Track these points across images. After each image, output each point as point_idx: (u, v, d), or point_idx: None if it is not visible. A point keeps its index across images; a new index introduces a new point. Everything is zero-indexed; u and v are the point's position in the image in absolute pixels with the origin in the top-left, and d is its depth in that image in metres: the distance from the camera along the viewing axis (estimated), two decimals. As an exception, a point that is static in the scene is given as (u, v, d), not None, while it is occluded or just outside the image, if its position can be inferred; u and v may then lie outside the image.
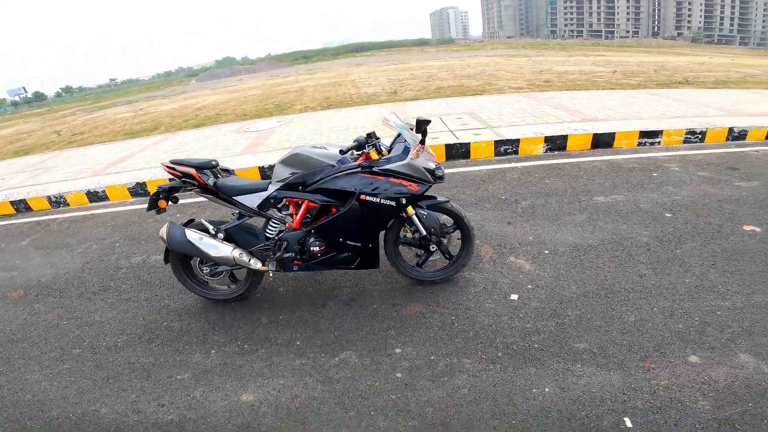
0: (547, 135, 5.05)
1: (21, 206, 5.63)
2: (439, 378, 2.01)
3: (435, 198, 2.60)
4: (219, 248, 2.53)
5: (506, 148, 5.03)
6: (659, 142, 5.09)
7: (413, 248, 2.73)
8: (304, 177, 2.46)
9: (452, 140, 5.10)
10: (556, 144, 5.06)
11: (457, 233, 2.68)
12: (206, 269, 2.76)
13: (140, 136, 9.82)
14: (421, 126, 2.26)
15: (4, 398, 2.23)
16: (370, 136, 2.39)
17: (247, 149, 5.93)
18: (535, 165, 4.65)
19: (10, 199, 5.63)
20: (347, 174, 2.40)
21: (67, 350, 2.59)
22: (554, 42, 59.24)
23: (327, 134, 6.23)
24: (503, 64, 16.78)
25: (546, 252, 2.93)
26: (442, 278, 2.71)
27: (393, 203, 2.37)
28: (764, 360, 1.89)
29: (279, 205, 2.63)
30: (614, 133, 5.07)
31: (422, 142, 2.38)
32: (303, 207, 2.53)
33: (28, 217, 5.41)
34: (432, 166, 2.42)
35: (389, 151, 2.49)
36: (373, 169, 2.38)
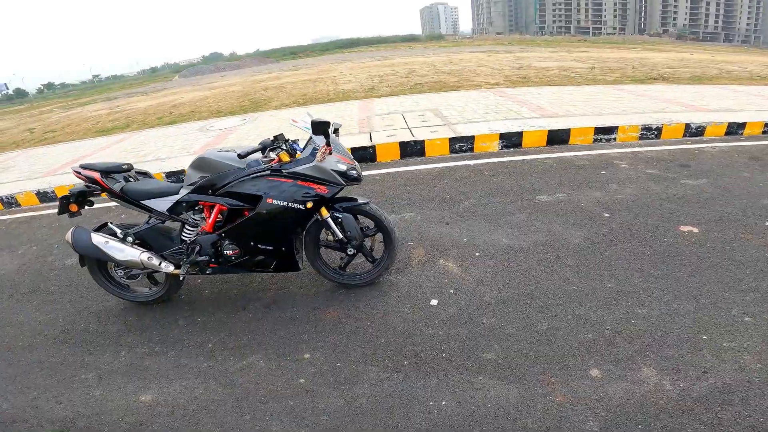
0: (503, 132, 5.03)
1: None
2: (341, 386, 1.98)
3: (353, 200, 2.54)
4: (125, 252, 2.46)
5: (461, 145, 5.00)
6: (615, 139, 5.09)
7: (336, 251, 2.68)
8: (213, 180, 2.40)
9: (408, 138, 5.05)
10: (512, 141, 5.04)
11: (381, 236, 2.64)
12: (121, 272, 2.70)
13: (111, 133, 9.62)
14: (319, 128, 2.20)
15: None
16: (277, 138, 2.34)
17: (203, 148, 5.83)
18: (488, 163, 4.62)
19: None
20: (254, 177, 2.34)
21: (-17, 352, 2.51)
22: (542, 38, 59.36)
23: (285, 132, 6.14)
24: (486, 61, 16.73)
25: (477, 254, 2.90)
26: (365, 282, 2.67)
27: (301, 206, 2.31)
28: (668, 375, 1.84)
29: (194, 209, 2.57)
30: (569, 129, 5.06)
31: (328, 143, 2.32)
32: (215, 211, 2.47)
33: (-26, 219, 5.26)
34: (343, 168, 2.36)
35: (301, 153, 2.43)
36: (282, 171, 2.32)
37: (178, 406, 1.96)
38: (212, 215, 2.48)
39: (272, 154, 2.42)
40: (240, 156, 2.25)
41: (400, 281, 2.71)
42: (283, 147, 2.37)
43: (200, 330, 2.49)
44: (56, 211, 2.66)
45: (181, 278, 2.61)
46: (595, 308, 2.29)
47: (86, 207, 2.68)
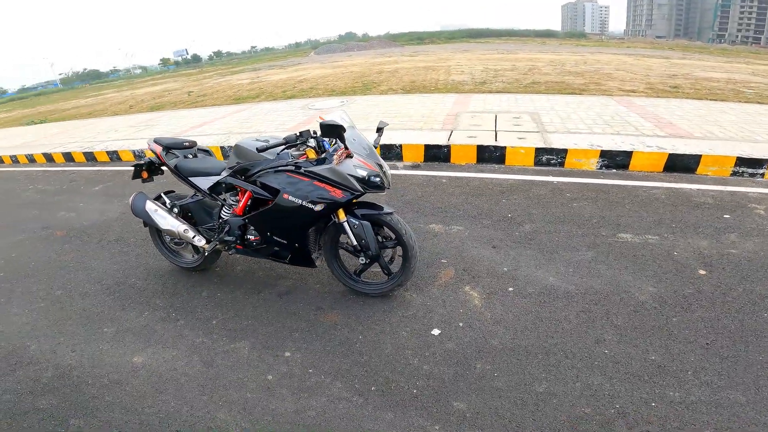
0: (606, 149, 4.27)
1: (114, 156, 6.68)
2: (300, 393, 1.90)
3: (378, 208, 2.38)
4: (168, 221, 2.70)
5: (549, 158, 4.39)
6: (762, 175, 3.96)
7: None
8: (246, 167, 2.46)
9: (489, 142, 4.62)
10: (615, 161, 4.26)
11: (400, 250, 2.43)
12: (168, 238, 2.98)
13: (241, 102, 10.85)
14: (329, 131, 2.07)
15: None
16: (302, 134, 2.26)
17: (296, 126, 6.15)
18: (575, 183, 3.98)
19: (107, 150, 6.71)
20: (278, 171, 2.32)
21: (52, 291, 3.04)
22: (716, 46, 49.17)
23: (370, 120, 6.14)
24: (630, 64, 14.55)
25: (510, 289, 2.51)
26: (377, 293, 2.51)
27: (313, 207, 2.23)
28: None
29: (232, 191, 2.68)
30: (700, 155, 4.07)
31: (346, 147, 2.19)
32: (246, 196, 2.54)
33: (114, 167, 6.40)
34: (363, 173, 2.20)
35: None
36: (301, 169, 2.26)
37: (155, 373, 2.11)
38: (243, 200, 2.56)
39: (302, 149, 2.38)
40: (258, 149, 2.24)
41: (413, 300, 2.49)
42: (309, 144, 2.29)
43: (214, 305, 2.63)
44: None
45: (206, 253, 2.77)
46: (617, 380, 1.82)
47: (159, 174, 3.04)
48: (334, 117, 2.28)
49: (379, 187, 2.25)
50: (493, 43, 37.51)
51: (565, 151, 4.33)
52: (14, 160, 7.79)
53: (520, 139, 4.70)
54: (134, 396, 1.99)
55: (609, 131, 4.93)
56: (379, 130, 2.54)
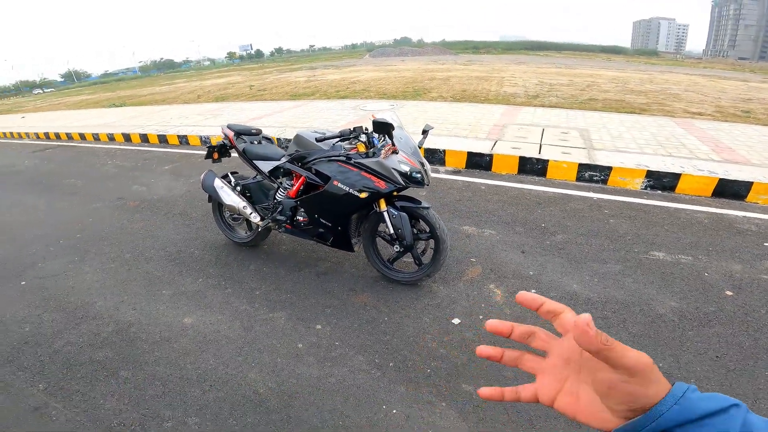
0: (653, 169, 4.22)
1: (183, 140, 7.32)
2: (325, 362, 2.13)
3: (417, 201, 2.59)
4: (231, 197, 3.05)
5: (592, 174, 4.39)
6: (822, 210, 3.76)
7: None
8: (303, 155, 2.75)
9: (532, 154, 4.68)
10: (662, 182, 4.19)
11: (432, 242, 2.63)
12: (227, 214, 3.35)
13: (297, 99, 11.43)
14: (380, 128, 2.30)
15: (58, 285, 3.09)
16: (355, 129, 2.52)
17: (347, 125, 6.47)
18: (615, 200, 3.97)
19: (178, 134, 7.37)
20: (330, 160, 2.59)
21: (122, 254, 3.48)
22: None
23: (418, 124, 6.33)
24: (702, 85, 13.77)
25: (532, 291, 2.62)
26: (407, 281, 2.71)
27: (358, 194, 2.47)
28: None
29: (289, 176, 2.99)
30: (751, 182, 3.93)
31: (393, 143, 2.41)
32: (300, 180, 2.83)
33: (183, 149, 7.03)
34: (405, 169, 2.42)
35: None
36: (351, 160, 2.51)
37: (201, 334, 2.41)
38: (297, 184, 2.85)
39: (354, 143, 2.66)
40: (317, 140, 2.54)
41: (439, 291, 2.67)
42: (360, 138, 2.56)
43: (259, 278, 2.94)
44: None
45: (260, 229, 3.09)
46: None
47: (227, 157, 3.42)
48: (385, 116, 2.52)
49: (419, 183, 2.46)
50: (552, 56, 36.55)
51: (609, 168, 4.32)
52: (96, 137, 8.72)
53: (565, 153, 4.72)
54: (179, 353, 2.28)
55: (661, 152, 4.83)
56: (425, 132, 2.77)
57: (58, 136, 9.62)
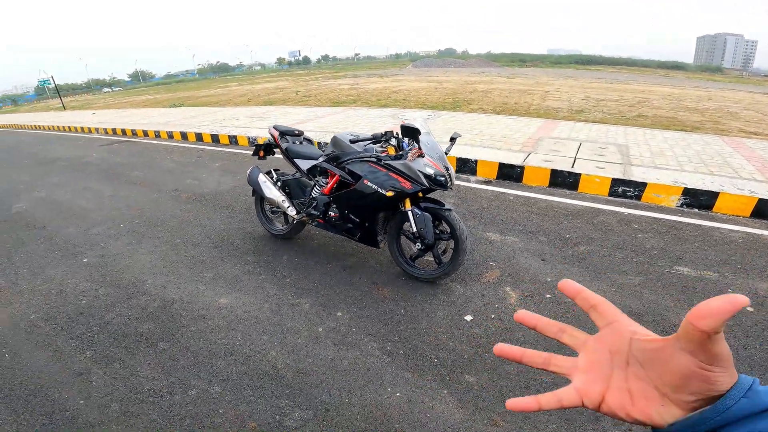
0: (690, 187, 4.13)
1: (233, 140, 7.86)
2: (341, 346, 2.33)
3: (440, 203, 2.76)
4: (272, 191, 3.35)
5: (626, 190, 4.35)
6: None
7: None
8: (338, 155, 2.99)
9: (564, 167, 4.70)
10: (699, 200, 4.10)
11: (452, 243, 2.78)
12: (268, 207, 3.65)
13: (339, 105, 11.88)
14: (407, 132, 2.49)
15: (115, 264, 3.48)
16: (386, 133, 2.74)
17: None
18: (647, 216, 3.93)
19: (229, 134, 7.92)
20: (363, 160, 2.82)
21: (172, 239, 3.87)
22: None
23: (448, 135, 6.46)
24: (764, 104, 12.96)
25: (547, 296, 2.71)
26: (426, 278, 2.87)
27: (385, 193, 2.67)
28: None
29: (324, 174, 3.25)
30: (795, 206, 3.78)
31: (419, 147, 2.60)
32: (334, 178, 3.08)
33: (232, 149, 7.55)
34: (430, 171, 2.60)
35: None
36: (381, 162, 2.72)
37: (233, 314, 2.67)
38: (331, 182, 3.10)
39: (385, 146, 2.88)
40: (351, 141, 2.78)
41: (456, 290, 2.80)
42: (391, 142, 2.78)
43: (290, 267, 3.20)
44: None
45: (295, 222, 3.36)
46: None
47: (271, 155, 3.75)
48: (414, 122, 2.73)
49: (443, 185, 2.63)
50: (604, 71, 35.36)
51: (644, 184, 4.27)
52: (157, 134, 9.50)
53: (599, 168, 4.70)
54: (213, 329, 2.54)
55: (702, 170, 4.70)
56: (452, 139, 2.95)
57: (124, 132, 10.55)
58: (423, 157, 2.64)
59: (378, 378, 2.10)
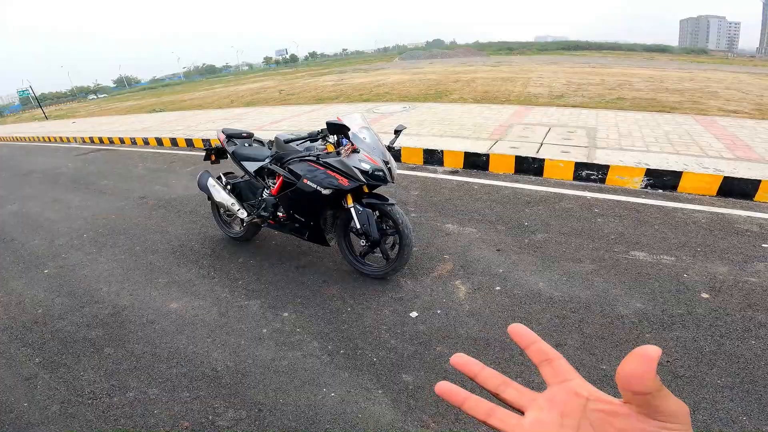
0: (653, 167, 4.10)
1: (207, 144, 7.78)
2: (282, 347, 2.31)
3: (383, 198, 2.72)
4: (221, 195, 3.31)
5: (590, 173, 4.32)
6: (837, 211, 3.53)
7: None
8: (281, 155, 2.95)
9: (530, 153, 4.66)
10: (663, 181, 4.07)
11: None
12: (221, 210, 3.61)
13: (321, 102, 11.79)
14: (333, 129, 2.46)
15: (74, 274, 3.44)
16: (323, 131, 2.70)
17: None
18: (608, 200, 3.90)
19: (203, 138, 7.83)
20: (302, 160, 2.77)
21: (132, 246, 3.83)
22: None
23: (424, 125, 6.42)
24: (747, 83, 12.91)
25: (497, 288, 2.68)
26: (375, 275, 2.84)
27: (324, 191, 2.63)
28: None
29: (273, 175, 3.21)
30: (759, 180, 3.75)
31: (352, 143, 2.56)
32: (280, 179, 3.03)
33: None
34: (366, 167, 2.55)
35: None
36: (319, 160, 2.68)
37: (181, 318, 2.65)
38: (277, 183, 3.06)
39: (324, 143, 2.84)
40: (285, 141, 2.73)
41: (406, 285, 2.78)
42: (329, 139, 2.73)
43: (245, 269, 3.17)
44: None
45: (245, 224, 3.33)
46: None
47: (224, 159, 3.70)
48: (353, 118, 2.69)
49: (382, 180, 2.59)
50: (589, 56, 35.18)
51: (606, 167, 4.24)
52: (133, 141, 9.41)
53: (564, 152, 4.67)
54: (159, 333, 2.53)
55: (668, 150, 4.67)
56: (397, 132, 2.90)
57: (101, 140, 10.45)
58: (358, 152, 2.60)
59: (315, 378, 2.07)
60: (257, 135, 3.65)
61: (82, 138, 11.28)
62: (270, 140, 3.39)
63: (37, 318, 2.86)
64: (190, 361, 2.26)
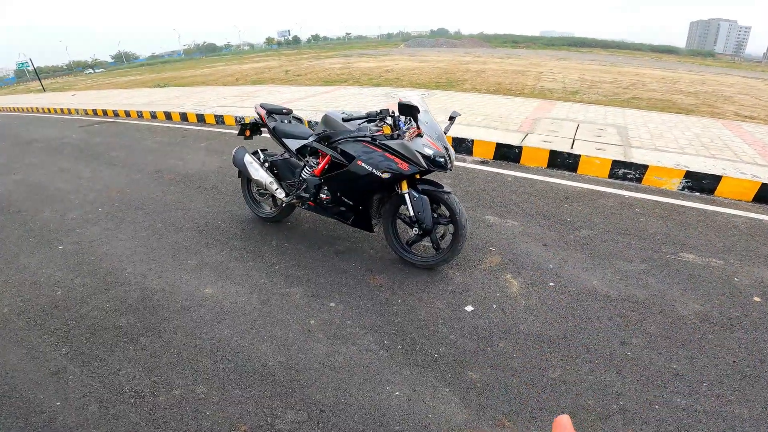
0: (692, 170, 4.01)
1: (219, 119, 7.55)
2: (335, 340, 2.18)
3: (439, 186, 2.59)
4: (259, 172, 3.15)
5: (626, 172, 4.22)
6: None
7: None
8: (329, 134, 2.79)
9: (564, 148, 4.55)
10: (701, 184, 3.99)
11: (452, 228, 2.63)
12: (255, 188, 3.45)
13: (329, 84, 11.53)
14: (405, 110, 2.30)
15: (92, 251, 3.26)
16: (382, 111, 2.54)
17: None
18: (648, 200, 3.81)
19: (215, 113, 7.60)
20: (356, 140, 2.62)
21: (153, 223, 3.66)
22: None
23: (448, 113, 6.25)
24: (758, 89, 12.89)
25: (550, 284, 2.58)
26: (423, 265, 2.72)
27: (381, 175, 2.49)
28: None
29: (315, 154, 3.05)
30: (799, 191, 3.69)
31: (418, 126, 2.41)
32: (326, 159, 2.88)
33: (219, 128, 7.25)
34: (429, 152, 2.41)
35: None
36: (376, 141, 2.53)
37: (219, 305, 2.49)
38: (322, 162, 2.90)
39: (380, 125, 2.67)
40: (344, 119, 2.58)
41: (455, 277, 2.66)
42: (386, 121, 2.57)
43: (280, 253, 3.03)
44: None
45: (284, 205, 3.17)
46: (629, 380, 1.87)
47: (258, 135, 3.53)
48: (412, 99, 2.52)
49: (442, 167, 2.45)
50: (597, 53, 34.97)
51: (645, 167, 4.14)
52: (140, 115, 9.11)
53: (599, 149, 4.56)
54: (197, 322, 2.36)
55: (703, 153, 4.58)
56: (452, 118, 2.74)
57: (105, 112, 10.11)
58: (422, 136, 2.46)
59: (375, 375, 1.96)
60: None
61: (84, 110, 10.92)
62: (312, 119, 3.23)
63: (57, 301, 2.66)
64: (237, 354, 2.11)
